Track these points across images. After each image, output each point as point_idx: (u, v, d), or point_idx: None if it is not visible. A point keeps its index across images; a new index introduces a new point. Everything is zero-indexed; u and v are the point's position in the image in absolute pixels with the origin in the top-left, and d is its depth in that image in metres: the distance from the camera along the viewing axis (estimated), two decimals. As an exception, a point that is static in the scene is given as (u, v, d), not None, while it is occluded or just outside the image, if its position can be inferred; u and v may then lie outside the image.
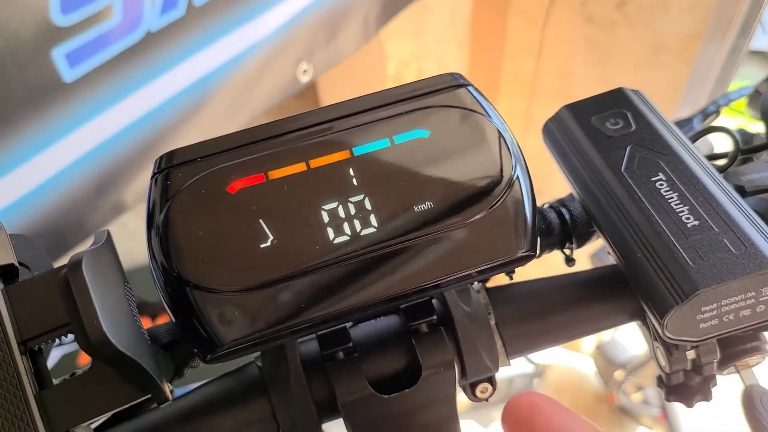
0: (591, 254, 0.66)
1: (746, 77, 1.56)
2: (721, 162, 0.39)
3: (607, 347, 1.92)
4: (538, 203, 0.33)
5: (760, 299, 0.27)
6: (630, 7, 1.39)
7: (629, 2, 1.38)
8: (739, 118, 1.05)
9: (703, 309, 0.26)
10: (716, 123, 0.72)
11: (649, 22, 1.38)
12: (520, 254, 0.29)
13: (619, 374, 1.87)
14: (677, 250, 0.27)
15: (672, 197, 0.29)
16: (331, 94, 1.57)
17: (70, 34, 0.65)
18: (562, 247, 0.38)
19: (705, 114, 0.72)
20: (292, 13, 0.89)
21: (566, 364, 2.12)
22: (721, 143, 0.45)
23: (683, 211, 0.28)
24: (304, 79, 0.96)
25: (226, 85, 0.85)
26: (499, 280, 0.37)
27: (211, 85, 0.83)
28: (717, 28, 1.32)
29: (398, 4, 1.12)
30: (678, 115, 1.46)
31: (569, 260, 0.39)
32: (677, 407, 1.68)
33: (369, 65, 1.46)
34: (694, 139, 0.40)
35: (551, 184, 0.48)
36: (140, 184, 0.81)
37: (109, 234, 0.27)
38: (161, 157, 0.30)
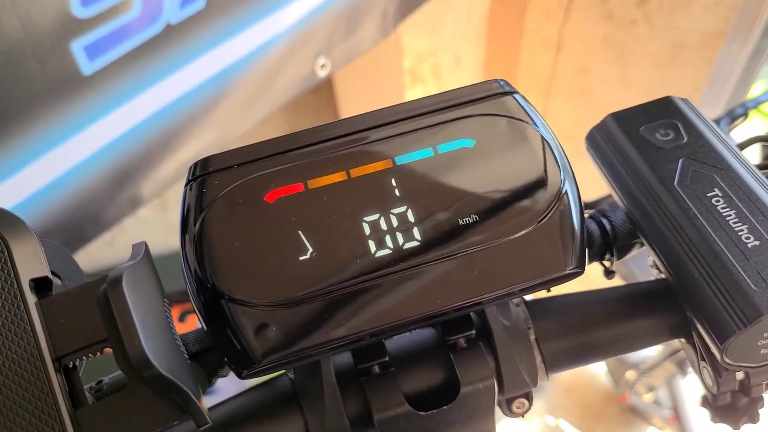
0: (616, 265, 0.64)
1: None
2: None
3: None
4: None
5: (824, 324, 0.25)
6: (650, 5, 1.36)
7: (649, 0, 1.36)
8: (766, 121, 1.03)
9: (765, 335, 0.25)
10: (744, 126, 0.70)
11: (670, 20, 1.36)
12: (567, 271, 0.28)
13: (630, 374, 1.86)
14: (738, 272, 0.26)
15: (730, 215, 0.28)
16: (347, 88, 1.56)
17: (90, 27, 0.64)
18: (601, 259, 0.37)
19: (732, 116, 0.70)
20: (311, 8, 0.88)
21: (576, 363, 2.10)
22: (752, 152, 0.44)
23: (742, 230, 0.27)
24: (322, 73, 0.96)
25: (245, 79, 0.84)
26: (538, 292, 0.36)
27: (230, 78, 0.82)
28: (740, 28, 1.29)
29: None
30: (698, 115, 1.44)
31: (609, 272, 0.38)
32: (689, 408, 1.67)
33: (385, 59, 1.44)
34: (742, 148, 0.38)
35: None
36: (158, 178, 0.81)
37: (147, 246, 0.25)
38: (196, 164, 0.29)
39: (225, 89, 0.82)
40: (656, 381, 1.82)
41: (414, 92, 1.49)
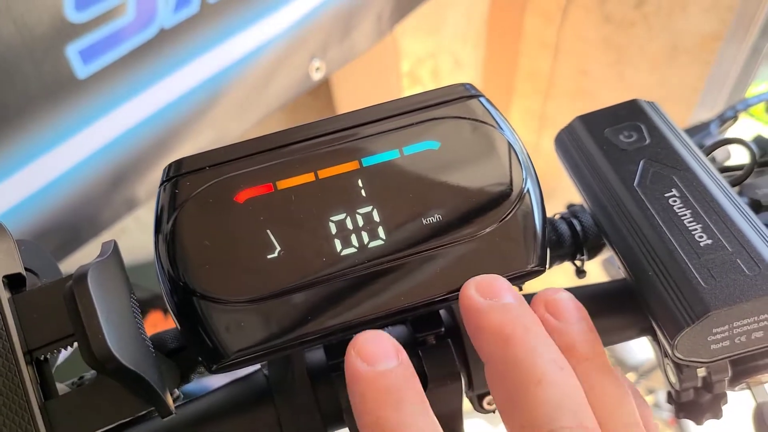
0: (602, 260, 0.65)
1: (766, 79, 1.53)
2: (737, 173, 0.38)
3: (618, 350, 1.90)
4: (555, 204, 0.33)
5: (774, 321, 0.26)
6: (648, 7, 1.37)
7: (647, 2, 1.36)
8: (757, 123, 1.04)
9: (714, 330, 0.26)
10: (734, 128, 0.71)
11: (668, 22, 1.36)
12: (529, 269, 0.29)
13: (630, 377, 1.86)
14: (689, 269, 0.26)
15: (685, 214, 0.29)
16: (345, 91, 1.57)
17: (84, 31, 0.65)
18: (573, 259, 0.38)
19: (722, 119, 0.71)
20: (305, 11, 0.89)
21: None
22: (739, 151, 0.44)
23: (696, 230, 0.28)
24: (317, 76, 0.96)
25: (239, 82, 0.85)
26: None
27: (225, 81, 0.83)
28: (738, 29, 1.30)
29: (413, 1, 1.11)
30: (696, 116, 1.44)
31: (580, 272, 0.38)
32: (689, 411, 1.66)
33: (383, 62, 1.45)
34: (710, 150, 0.39)
35: (569, 184, 0.47)
36: (153, 180, 0.82)
37: (116, 244, 0.26)
38: (170, 165, 0.30)
39: (220, 92, 0.83)
40: (655, 383, 1.82)
41: (413, 94, 1.49)
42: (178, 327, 0.29)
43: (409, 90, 1.49)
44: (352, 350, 0.25)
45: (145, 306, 1.49)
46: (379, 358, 0.24)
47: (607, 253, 0.42)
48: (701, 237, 0.28)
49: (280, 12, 0.86)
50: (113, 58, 0.69)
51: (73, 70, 0.66)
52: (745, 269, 0.26)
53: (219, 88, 0.83)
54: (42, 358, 0.24)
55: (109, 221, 0.79)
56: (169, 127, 0.80)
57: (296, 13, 0.88)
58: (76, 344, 0.25)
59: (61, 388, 0.29)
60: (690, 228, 0.28)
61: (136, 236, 1.64)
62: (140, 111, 0.76)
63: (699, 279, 0.26)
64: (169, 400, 0.25)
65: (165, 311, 1.07)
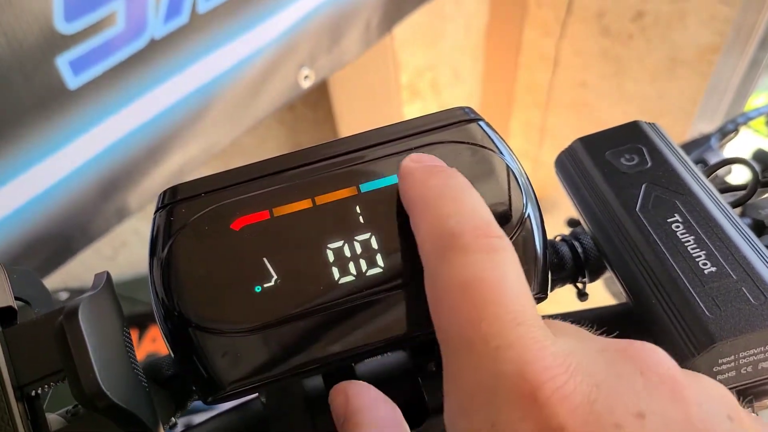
0: (605, 277, 0.64)
1: (766, 89, 1.54)
2: (740, 194, 0.38)
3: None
4: (557, 217, 0.32)
5: (780, 351, 0.26)
6: (646, 19, 1.37)
7: (646, 15, 1.36)
8: (758, 136, 1.03)
9: (720, 361, 0.25)
10: (734, 141, 0.71)
11: (666, 34, 1.36)
12: None
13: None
14: (693, 298, 0.26)
15: (688, 241, 0.28)
16: (345, 104, 1.57)
17: (75, 42, 0.66)
18: (574, 281, 0.38)
19: (723, 132, 0.70)
20: (294, 20, 0.90)
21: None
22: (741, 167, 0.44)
23: (700, 257, 0.27)
24: (306, 84, 0.97)
25: (229, 91, 0.86)
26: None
27: (214, 91, 0.84)
28: (736, 41, 1.30)
29: (401, 11, 1.12)
30: (695, 128, 1.44)
31: (582, 295, 0.38)
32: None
33: (383, 74, 1.45)
34: (712, 170, 0.39)
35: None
36: (144, 189, 0.82)
37: (108, 276, 0.26)
38: (165, 192, 0.29)
39: (209, 101, 0.84)
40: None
41: (413, 107, 1.50)
42: (172, 355, 0.29)
43: (408, 102, 1.49)
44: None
45: (146, 320, 1.49)
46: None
47: (609, 273, 0.42)
48: (705, 264, 0.27)
49: (269, 21, 0.86)
50: (104, 68, 0.70)
51: (64, 81, 0.66)
52: (750, 298, 0.26)
53: (209, 98, 0.83)
54: (33, 393, 0.24)
55: (101, 231, 0.79)
56: (160, 136, 0.80)
57: (285, 23, 0.89)
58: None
59: (55, 418, 0.28)
60: (694, 255, 0.27)
61: (136, 250, 1.63)
62: (131, 121, 0.76)
63: (703, 308, 0.26)
64: (162, 434, 0.25)
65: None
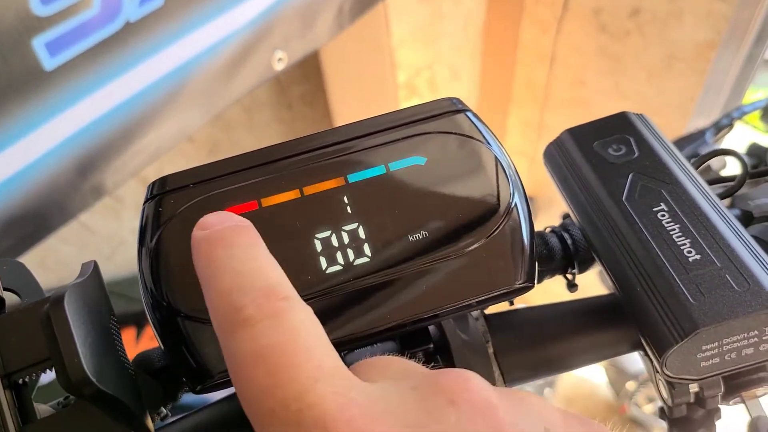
0: (599, 270, 0.65)
1: (763, 85, 1.54)
2: (730, 184, 0.38)
3: (619, 358, 1.90)
4: (554, 213, 0.32)
5: (763, 338, 0.26)
6: (643, 16, 1.37)
7: (642, 12, 1.36)
8: (753, 130, 1.03)
9: (703, 347, 0.26)
10: (730, 135, 0.71)
11: (663, 31, 1.36)
12: (517, 285, 0.29)
13: (630, 385, 1.85)
14: (677, 285, 0.26)
15: (674, 229, 0.28)
16: (342, 102, 1.57)
17: (50, 24, 0.67)
18: (564, 273, 0.38)
19: (718, 127, 0.70)
20: (268, 4, 0.92)
21: (578, 373, 2.10)
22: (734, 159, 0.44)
23: (685, 244, 0.27)
24: (279, 66, 0.98)
25: (204, 73, 0.87)
26: (500, 305, 0.36)
27: (189, 72, 0.85)
28: (732, 37, 1.30)
29: (373, -4, 1.13)
30: (693, 124, 1.44)
31: (571, 286, 0.38)
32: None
33: (380, 73, 1.45)
34: (701, 161, 0.39)
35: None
36: (121, 168, 0.84)
37: (96, 265, 0.26)
38: (154, 183, 0.30)
39: (184, 83, 0.85)
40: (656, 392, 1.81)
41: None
42: (161, 346, 0.29)
43: (405, 101, 1.49)
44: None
45: (144, 318, 1.49)
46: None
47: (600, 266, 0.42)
48: (690, 252, 0.27)
49: (243, 5, 0.88)
50: (80, 50, 0.71)
51: (41, 62, 0.67)
52: (734, 285, 0.26)
53: (184, 79, 0.84)
54: (20, 381, 0.24)
55: (78, 209, 0.80)
56: (135, 117, 0.81)
57: (259, 6, 0.90)
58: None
59: (46, 409, 0.28)
60: (678, 243, 0.28)
61: (135, 249, 1.63)
62: (107, 101, 0.77)
63: (687, 295, 0.26)
64: (149, 423, 0.25)
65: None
